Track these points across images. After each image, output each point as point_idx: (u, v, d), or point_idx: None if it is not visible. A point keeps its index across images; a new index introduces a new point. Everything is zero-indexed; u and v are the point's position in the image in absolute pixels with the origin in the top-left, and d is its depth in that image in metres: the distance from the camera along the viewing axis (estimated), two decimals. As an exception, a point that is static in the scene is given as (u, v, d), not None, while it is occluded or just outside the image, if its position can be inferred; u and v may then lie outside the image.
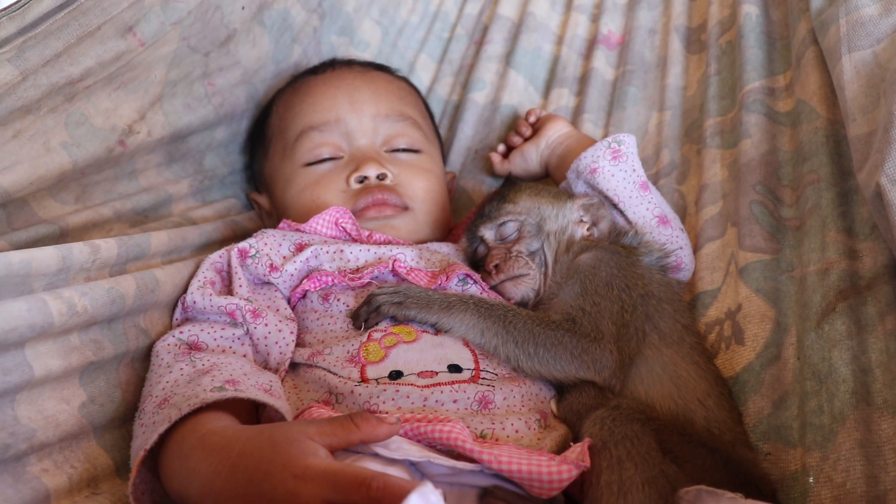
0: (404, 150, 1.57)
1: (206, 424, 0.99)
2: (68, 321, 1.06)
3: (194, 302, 1.26)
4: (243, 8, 1.60)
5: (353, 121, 1.54)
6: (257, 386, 1.08)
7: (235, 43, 1.62)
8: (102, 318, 1.13)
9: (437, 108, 1.96)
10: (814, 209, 1.28)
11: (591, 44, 1.95)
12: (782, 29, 1.59)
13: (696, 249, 1.46)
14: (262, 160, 1.65)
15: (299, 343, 1.27)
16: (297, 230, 1.43)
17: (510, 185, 1.48)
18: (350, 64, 1.66)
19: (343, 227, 1.42)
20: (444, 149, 1.84)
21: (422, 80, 2.02)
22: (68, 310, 1.06)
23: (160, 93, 1.46)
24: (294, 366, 1.23)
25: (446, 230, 1.61)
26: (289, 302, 1.34)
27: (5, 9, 1.17)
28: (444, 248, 1.44)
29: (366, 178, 1.49)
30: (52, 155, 1.26)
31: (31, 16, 1.17)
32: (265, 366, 1.23)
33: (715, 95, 1.63)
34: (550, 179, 1.64)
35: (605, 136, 1.72)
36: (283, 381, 1.20)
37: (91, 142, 1.33)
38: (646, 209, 1.44)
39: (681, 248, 1.43)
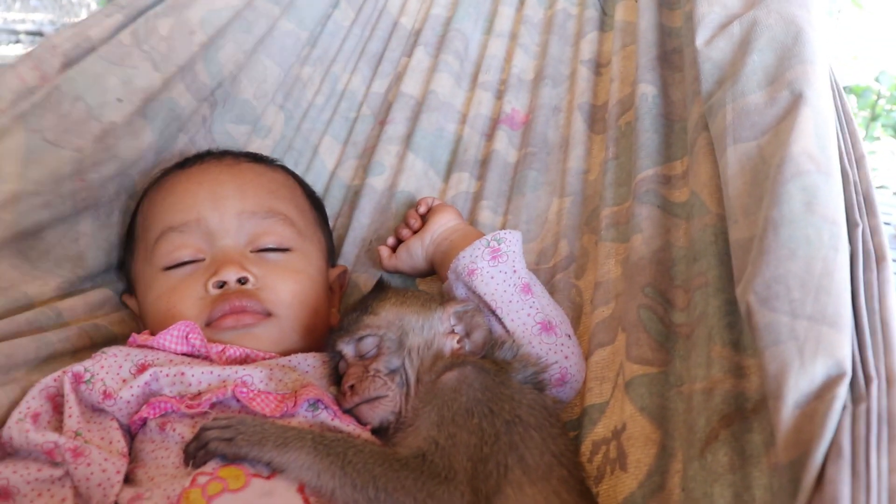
0: (273, 250, 1.42)
1: None
2: None
3: (11, 438, 1.13)
4: (119, 100, 1.49)
5: (214, 219, 1.40)
6: None
7: (114, 137, 1.50)
8: None
9: (339, 195, 1.81)
10: (701, 318, 1.13)
11: (495, 123, 1.81)
12: (681, 110, 1.46)
13: (587, 356, 1.32)
14: (130, 261, 1.51)
15: (131, 479, 1.13)
16: (145, 346, 1.29)
17: (378, 291, 1.34)
18: (222, 156, 1.52)
19: (193, 344, 1.28)
20: (339, 240, 1.71)
21: (325, 164, 1.87)
22: None
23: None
24: None
25: (322, 335, 1.47)
26: (130, 430, 1.20)
27: None
28: (308, 362, 1.30)
29: (225, 283, 1.35)
30: None
31: None
32: None
33: (612, 182, 1.49)
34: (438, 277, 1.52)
35: (504, 224, 1.60)
36: None
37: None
38: (527, 314, 1.31)
39: (565, 357, 1.29)
